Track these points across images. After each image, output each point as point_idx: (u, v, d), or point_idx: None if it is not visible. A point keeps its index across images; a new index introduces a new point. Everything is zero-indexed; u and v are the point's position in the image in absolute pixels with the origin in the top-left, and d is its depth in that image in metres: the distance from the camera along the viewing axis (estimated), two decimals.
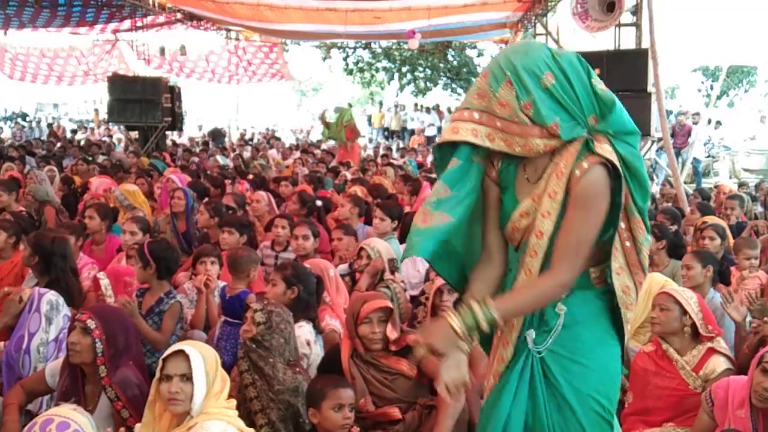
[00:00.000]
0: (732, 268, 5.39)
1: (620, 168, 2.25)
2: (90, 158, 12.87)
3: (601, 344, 2.42)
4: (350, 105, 25.15)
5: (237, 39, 21.78)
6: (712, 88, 25.65)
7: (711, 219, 6.22)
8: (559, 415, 2.37)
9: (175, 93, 15.94)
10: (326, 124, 13.88)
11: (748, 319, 4.22)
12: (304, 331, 3.97)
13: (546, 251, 2.29)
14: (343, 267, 5.47)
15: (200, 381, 2.83)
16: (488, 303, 2.23)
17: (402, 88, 30.43)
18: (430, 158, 15.78)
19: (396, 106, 28.12)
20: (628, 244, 2.37)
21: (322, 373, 3.72)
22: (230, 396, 2.97)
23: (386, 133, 27.47)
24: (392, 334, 3.62)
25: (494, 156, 2.39)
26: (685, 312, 3.68)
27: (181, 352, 2.86)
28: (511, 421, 2.40)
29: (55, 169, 10.65)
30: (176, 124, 16.37)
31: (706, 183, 15.29)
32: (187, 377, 2.82)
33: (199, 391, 2.82)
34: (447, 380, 2.19)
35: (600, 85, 2.29)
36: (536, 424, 2.39)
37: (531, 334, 2.40)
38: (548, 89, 2.23)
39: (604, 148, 2.24)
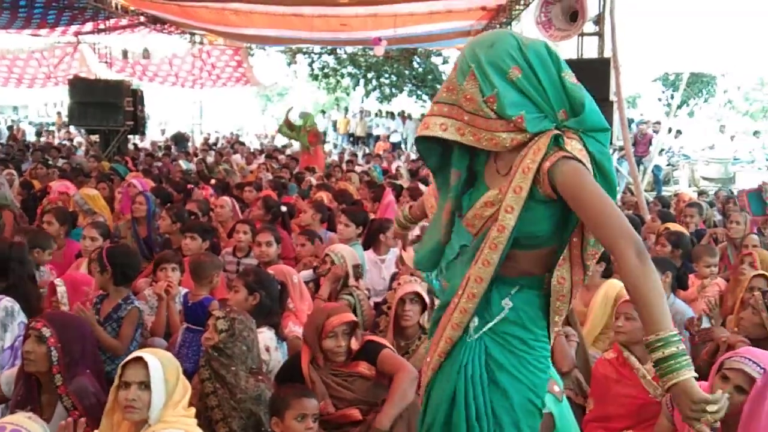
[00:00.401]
0: (691, 276, 5.46)
1: (591, 166, 2.22)
2: (50, 162, 12.67)
3: (538, 341, 2.42)
4: (323, 111, 25.05)
5: (201, 43, 21.64)
6: (672, 97, 26.05)
7: (672, 226, 6.32)
8: (496, 396, 2.38)
9: (137, 96, 15.76)
10: (290, 125, 13.82)
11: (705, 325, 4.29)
12: (264, 337, 3.93)
13: (506, 246, 2.26)
14: (307, 273, 5.44)
15: (158, 389, 2.79)
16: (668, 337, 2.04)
17: (367, 94, 30.46)
18: (395, 164, 15.81)
19: (361, 112, 28.16)
20: (575, 239, 2.34)
21: (282, 380, 3.69)
22: (191, 404, 2.93)
23: (351, 139, 27.49)
24: (355, 345, 3.61)
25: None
26: None
27: (140, 360, 2.82)
28: (456, 401, 2.40)
29: (14, 172, 10.44)
30: (138, 128, 16.18)
31: (666, 191, 15.52)
32: (145, 385, 2.78)
33: (157, 399, 2.78)
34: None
35: (571, 79, 2.27)
36: (473, 404, 2.38)
37: (474, 321, 2.40)
38: (514, 82, 2.22)
39: (574, 145, 2.21)
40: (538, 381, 2.43)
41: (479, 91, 2.22)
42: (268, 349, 3.91)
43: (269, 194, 8.00)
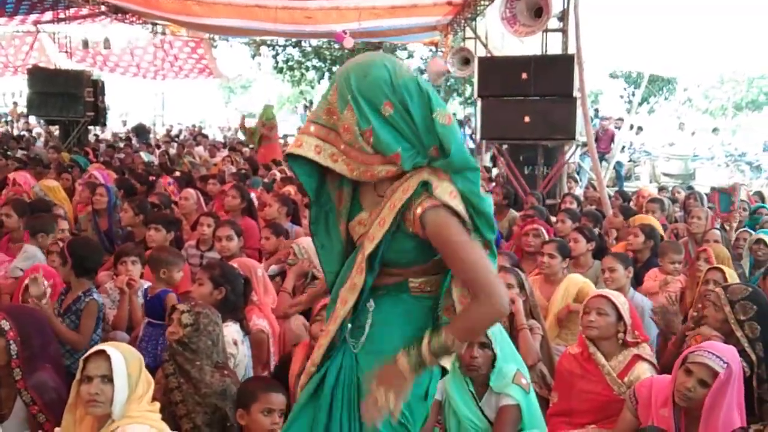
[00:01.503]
0: (654, 269, 5.55)
1: (462, 207, 2.23)
2: (8, 153, 12.43)
3: (407, 345, 2.34)
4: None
5: (163, 33, 21.39)
6: (633, 94, 26.41)
7: (644, 218, 6.45)
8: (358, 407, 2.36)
9: (98, 87, 15.56)
10: (248, 131, 13.66)
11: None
12: (230, 330, 3.90)
13: (369, 271, 2.29)
14: (275, 267, 5.41)
15: (121, 383, 2.75)
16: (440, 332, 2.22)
17: None
18: None
19: None
20: None
21: (276, 376, 3.71)
22: (154, 399, 2.90)
23: None
24: None
25: None
26: (620, 317, 3.73)
27: (102, 353, 2.78)
28: (319, 412, 2.40)
29: None
30: (99, 119, 15.97)
31: (628, 187, 15.71)
32: (108, 378, 2.75)
33: (120, 393, 2.74)
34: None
35: (441, 120, 2.22)
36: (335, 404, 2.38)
37: (348, 327, 2.41)
38: (386, 118, 2.20)
39: (444, 187, 2.21)
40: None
41: (356, 123, 2.20)
42: (236, 342, 3.88)
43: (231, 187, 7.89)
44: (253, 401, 3.11)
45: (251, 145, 13.91)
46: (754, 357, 3.53)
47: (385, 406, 2.16)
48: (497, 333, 3.45)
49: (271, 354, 4.40)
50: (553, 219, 7.13)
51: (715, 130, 23.86)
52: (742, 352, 3.59)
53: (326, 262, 2.54)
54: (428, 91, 2.24)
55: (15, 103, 26.34)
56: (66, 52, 17.07)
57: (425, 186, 2.21)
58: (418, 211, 2.20)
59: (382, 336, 2.37)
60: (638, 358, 3.70)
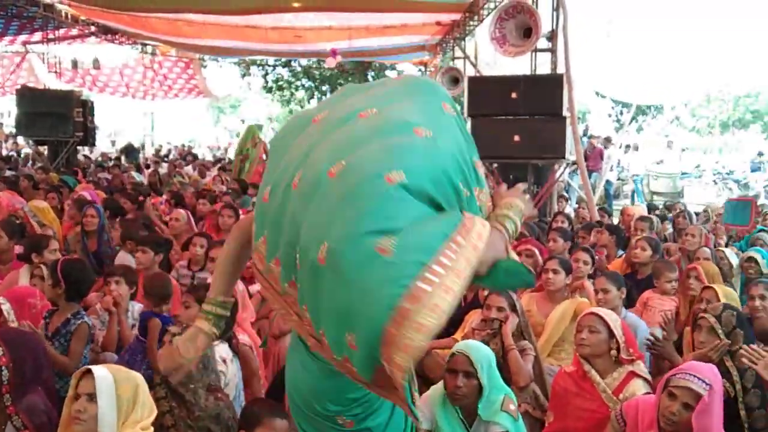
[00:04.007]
0: (648, 292, 5.55)
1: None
2: None
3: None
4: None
5: (153, 54, 21.41)
6: (621, 113, 26.58)
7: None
8: None
9: (87, 107, 15.52)
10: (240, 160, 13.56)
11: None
12: (219, 349, 3.88)
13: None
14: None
15: (107, 403, 2.72)
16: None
17: None
18: None
19: None
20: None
21: (271, 394, 3.66)
22: None
23: None
24: None
25: None
26: (612, 335, 3.73)
27: (91, 371, 2.76)
28: None
29: None
30: (88, 139, 15.91)
31: (617, 205, 15.77)
32: (94, 397, 2.73)
33: (106, 413, 2.71)
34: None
35: None
36: None
37: None
38: None
39: None
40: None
41: None
42: (225, 361, 3.85)
43: (224, 207, 7.87)
44: (257, 424, 3.06)
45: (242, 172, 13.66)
46: (740, 386, 3.55)
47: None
48: (484, 362, 3.43)
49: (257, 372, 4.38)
50: None
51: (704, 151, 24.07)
52: (726, 374, 3.61)
53: None
54: None
55: (0, 124, 26.25)
56: (55, 72, 17.04)
57: None
58: None
59: None
60: (633, 375, 3.69)
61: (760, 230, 7.96)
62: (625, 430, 3.34)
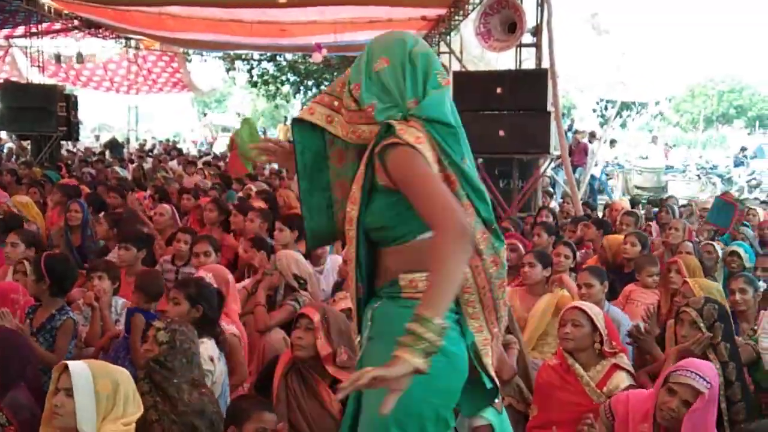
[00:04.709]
0: (630, 286, 5.60)
1: (431, 153, 2.19)
2: None
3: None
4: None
5: (137, 48, 21.29)
6: (606, 108, 26.69)
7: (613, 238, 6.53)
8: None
9: (70, 101, 15.40)
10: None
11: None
12: (207, 347, 3.85)
13: (359, 239, 2.26)
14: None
15: (84, 399, 2.72)
16: (432, 319, 1.93)
17: (307, 102, 30.31)
18: None
19: None
20: None
21: (259, 388, 3.67)
22: None
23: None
24: (325, 349, 3.52)
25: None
26: (595, 328, 3.76)
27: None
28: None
29: None
30: (72, 133, 15.80)
31: (601, 200, 15.84)
32: (72, 392, 2.73)
33: (84, 409, 2.71)
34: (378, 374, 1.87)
35: (440, 78, 2.29)
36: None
37: (358, 337, 2.41)
38: (377, 73, 2.25)
39: (411, 132, 2.18)
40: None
41: (348, 81, 2.29)
42: (212, 359, 3.83)
43: (210, 201, 7.84)
44: (246, 419, 3.06)
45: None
46: (722, 380, 3.59)
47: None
48: None
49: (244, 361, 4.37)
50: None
51: (689, 144, 24.23)
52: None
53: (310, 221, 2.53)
54: (438, 61, 2.33)
55: None
56: (38, 66, 16.90)
57: (388, 128, 2.19)
58: (376, 150, 2.18)
59: (371, 351, 2.30)
60: (616, 367, 3.73)
61: (742, 225, 8.02)
62: (614, 424, 3.36)
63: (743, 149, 23.17)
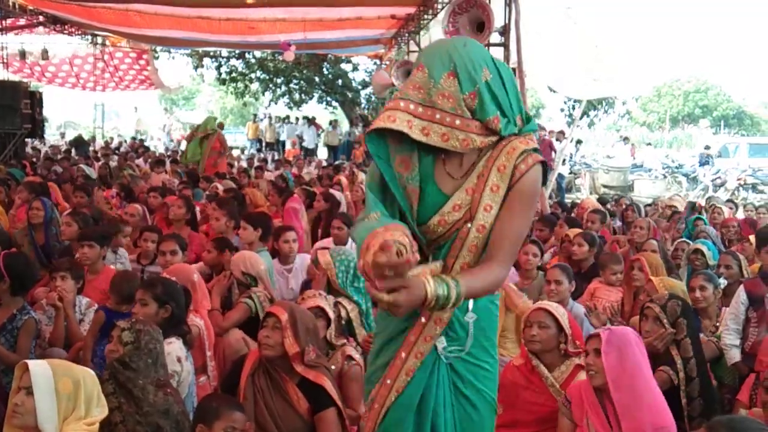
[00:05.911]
0: (595, 282, 5.66)
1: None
2: None
3: (495, 348, 2.50)
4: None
5: (104, 45, 21.05)
6: (574, 108, 26.91)
7: (574, 232, 6.56)
8: (460, 410, 2.43)
9: (35, 98, 15.22)
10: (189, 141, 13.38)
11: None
12: (174, 347, 3.82)
13: (484, 247, 2.32)
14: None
15: (45, 398, 2.70)
16: (459, 280, 2.14)
17: (276, 99, 30.22)
18: (305, 170, 15.73)
19: (270, 118, 27.87)
20: None
21: (225, 388, 3.65)
22: None
23: (259, 145, 27.18)
24: (291, 348, 3.50)
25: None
26: (561, 329, 3.79)
27: None
28: (422, 417, 2.42)
29: None
30: (37, 131, 15.59)
31: (569, 198, 15.98)
32: (32, 391, 2.70)
33: (45, 409, 2.69)
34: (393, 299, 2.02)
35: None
36: (438, 420, 2.42)
37: (442, 341, 2.39)
38: (487, 83, 2.26)
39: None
40: (494, 384, 2.52)
41: (459, 89, 2.24)
42: (179, 360, 3.80)
43: (177, 198, 7.78)
44: (216, 418, 3.04)
45: (191, 160, 13.46)
46: (683, 375, 3.66)
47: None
48: None
49: (207, 355, 4.35)
50: None
51: (651, 143, 24.49)
52: (670, 363, 3.73)
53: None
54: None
55: None
56: (3, 62, 16.64)
57: (525, 151, 2.29)
58: (522, 168, 2.27)
59: (479, 345, 2.44)
60: (580, 367, 3.76)
61: (697, 218, 8.15)
62: (572, 409, 3.47)
63: (707, 147, 23.46)
